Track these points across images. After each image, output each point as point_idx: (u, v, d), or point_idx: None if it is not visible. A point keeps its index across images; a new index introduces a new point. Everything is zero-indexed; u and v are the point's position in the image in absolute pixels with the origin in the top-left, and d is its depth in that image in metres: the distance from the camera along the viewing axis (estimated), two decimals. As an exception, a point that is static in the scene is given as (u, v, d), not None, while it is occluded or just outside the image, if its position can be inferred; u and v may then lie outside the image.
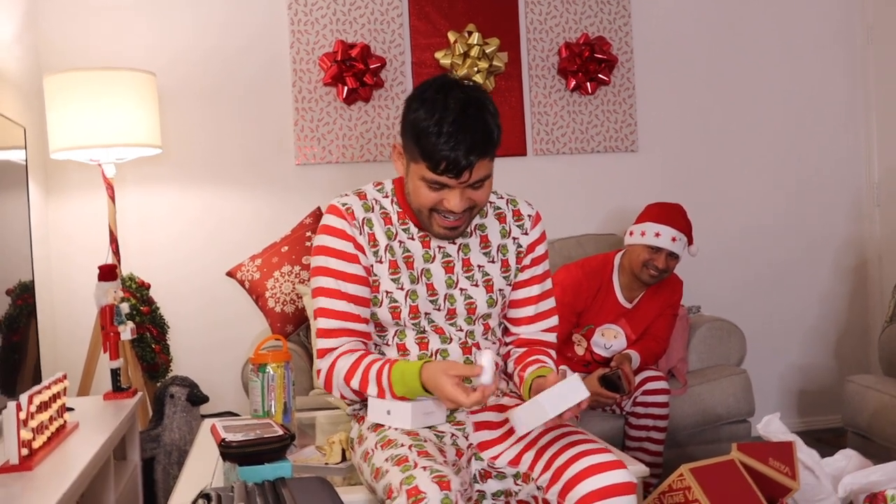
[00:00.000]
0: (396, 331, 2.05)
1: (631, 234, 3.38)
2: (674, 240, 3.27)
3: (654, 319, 3.40)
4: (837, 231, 4.49)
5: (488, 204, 2.15)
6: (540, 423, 1.79)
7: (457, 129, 1.85)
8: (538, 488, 1.84)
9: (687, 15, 4.29)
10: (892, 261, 4.25)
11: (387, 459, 1.78)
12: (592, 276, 3.36)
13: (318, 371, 2.06)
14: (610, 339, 3.33)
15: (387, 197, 2.09)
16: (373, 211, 2.06)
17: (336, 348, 2.03)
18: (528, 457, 1.90)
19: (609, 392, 3.08)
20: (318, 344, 2.06)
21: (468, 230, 2.09)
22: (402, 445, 1.80)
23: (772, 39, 4.38)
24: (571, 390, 1.79)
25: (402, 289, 2.03)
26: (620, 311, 3.38)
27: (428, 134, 1.86)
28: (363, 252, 2.04)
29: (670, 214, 3.33)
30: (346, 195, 2.09)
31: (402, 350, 2.05)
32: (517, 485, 1.91)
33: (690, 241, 3.37)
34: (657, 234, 3.28)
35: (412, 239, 2.06)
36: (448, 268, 2.06)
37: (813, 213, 4.45)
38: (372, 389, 1.95)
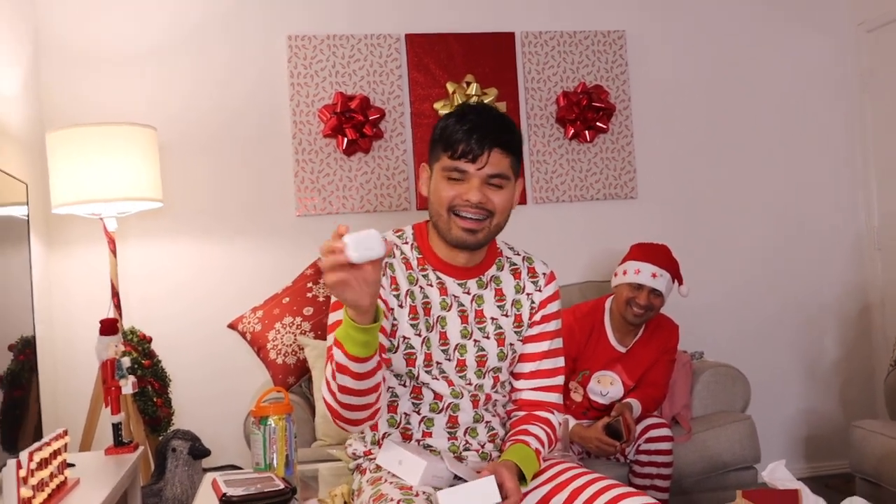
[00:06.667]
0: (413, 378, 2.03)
1: (615, 275, 3.40)
2: (654, 276, 3.27)
3: (650, 365, 3.38)
4: (840, 276, 4.49)
5: (505, 259, 2.17)
6: None
7: (476, 117, 1.98)
8: None
9: (683, 63, 4.34)
10: (894, 305, 4.24)
11: None
12: (583, 320, 3.36)
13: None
14: (606, 386, 3.31)
15: (406, 243, 2.09)
16: (394, 257, 2.06)
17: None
18: (560, 498, 1.90)
19: (610, 439, 3.09)
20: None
21: (484, 280, 2.10)
22: (392, 500, 1.79)
23: (769, 86, 4.43)
24: (478, 493, 1.75)
25: (419, 335, 2.01)
26: (614, 356, 3.36)
27: (449, 124, 1.99)
28: (384, 301, 1.99)
29: (649, 252, 3.34)
30: None
31: (417, 393, 2.03)
32: None
33: (680, 281, 3.37)
34: (637, 272, 3.29)
35: (430, 286, 2.05)
36: (463, 317, 2.06)
37: (815, 258, 4.46)
38: (328, 370, 1.80)
